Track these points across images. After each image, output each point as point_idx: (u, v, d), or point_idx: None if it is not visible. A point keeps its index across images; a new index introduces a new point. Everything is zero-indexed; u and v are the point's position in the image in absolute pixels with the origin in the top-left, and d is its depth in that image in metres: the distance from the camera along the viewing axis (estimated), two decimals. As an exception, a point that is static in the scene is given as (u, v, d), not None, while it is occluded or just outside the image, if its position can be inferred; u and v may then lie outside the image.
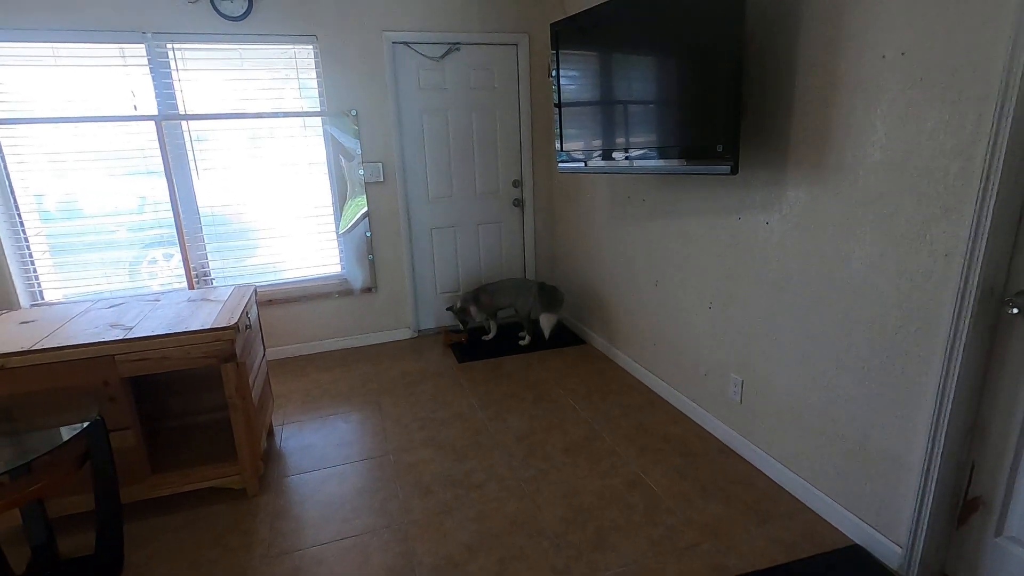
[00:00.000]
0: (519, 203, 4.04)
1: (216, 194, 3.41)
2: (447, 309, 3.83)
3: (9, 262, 3.11)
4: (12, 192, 3.09)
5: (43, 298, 3.30)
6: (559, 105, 2.93)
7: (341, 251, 3.74)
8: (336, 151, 3.53)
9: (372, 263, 3.78)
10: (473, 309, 3.75)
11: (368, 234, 3.71)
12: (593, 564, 1.82)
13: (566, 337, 3.84)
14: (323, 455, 2.53)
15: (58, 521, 2.11)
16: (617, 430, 2.62)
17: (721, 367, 2.47)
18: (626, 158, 2.50)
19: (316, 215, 3.63)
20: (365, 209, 3.67)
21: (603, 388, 3.07)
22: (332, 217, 3.66)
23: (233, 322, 2.09)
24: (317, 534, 2.02)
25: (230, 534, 2.05)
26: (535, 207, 4.06)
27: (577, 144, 2.84)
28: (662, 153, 2.26)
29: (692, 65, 2.05)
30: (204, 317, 2.17)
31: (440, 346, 3.81)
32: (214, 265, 3.51)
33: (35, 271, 3.24)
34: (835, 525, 1.94)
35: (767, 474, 2.24)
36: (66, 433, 1.68)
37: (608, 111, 2.58)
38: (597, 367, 3.35)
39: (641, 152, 2.39)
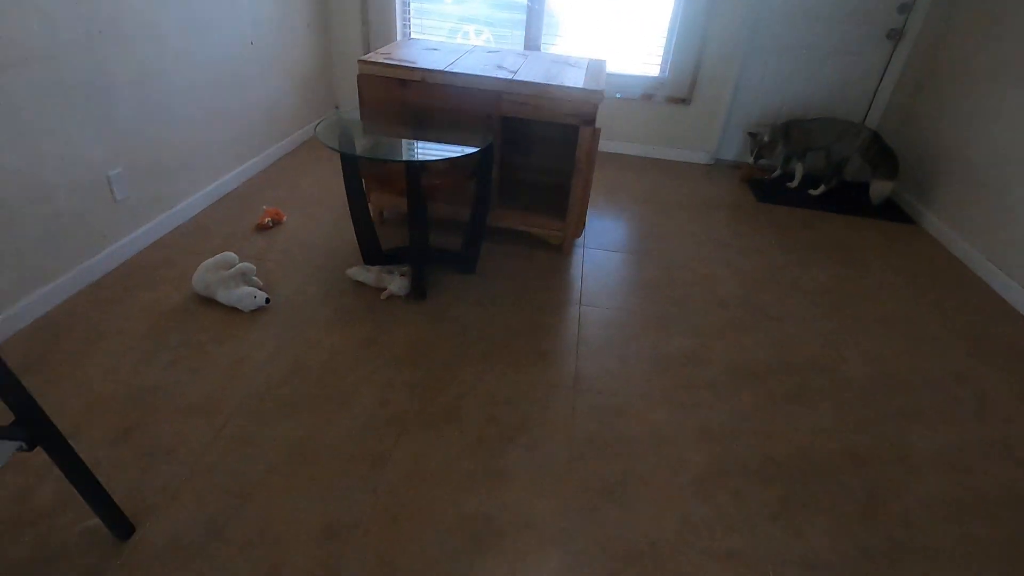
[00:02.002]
0: (895, 35, 3.26)
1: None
2: (748, 133, 3.49)
3: (396, 4, 3.56)
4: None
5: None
6: None
7: (666, 52, 3.52)
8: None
9: (696, 72, 3.52)
10: (779, 145, 3.37)
11: (700, 40, 3.40)
12: (902, 432, 1.74)
13: (888, 211, 3.30)
14: (618, 241, 2.69)
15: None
16: (945, 322, 2.30)
17: None
18: None
19: (650, 7, 3.39)
20: (704, 13, 3.31)
21: (933, 277, 2.65)
22: (669, 13, 3.39)
23: (600, 87, 2.15)
24: (612, 299, 2.23)
25: (550, 275, 2.37)
26: (916, 43, 3.25)
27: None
28: None
29: None
30: (573, 78, 2.26)
31: (736, 180, 3.58)
32: (545, 40, 3.60)
33: (409, 15, 3.66)
34: None
35: None
36: (466, 148, 1.99)
37: None
38: (927, 254, 2.87)
39: None
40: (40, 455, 1.40)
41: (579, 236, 2.53)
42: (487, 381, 1.78)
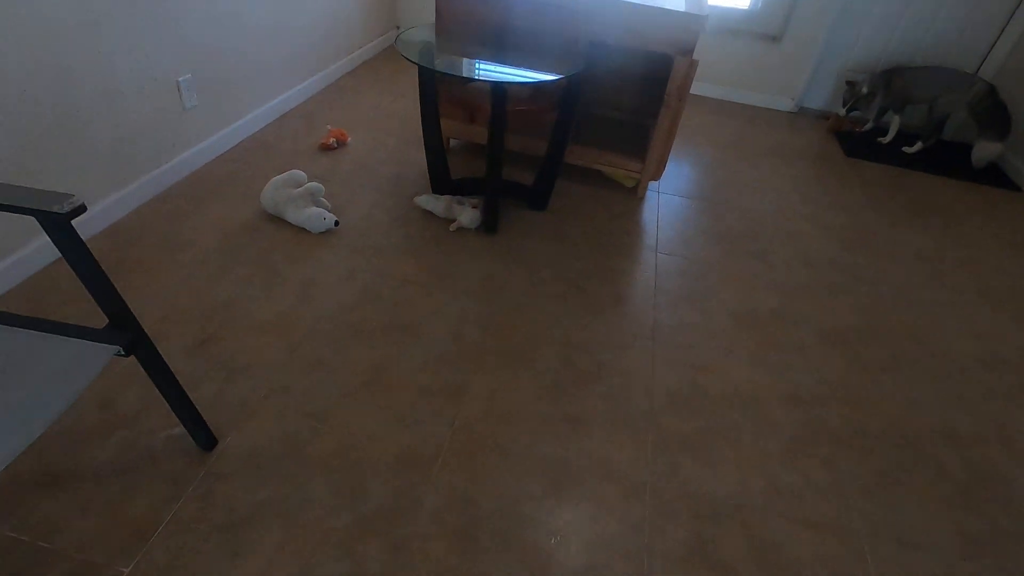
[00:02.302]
0: (1034, -27, 2.86)
1: None
2: (847, 82, 3.18)
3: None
4: None
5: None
6: None
7: (764, -19, 3.19)
8: None
9: (791, 5, 3.18)
10: (879, 94, 3.07)
11: (809, -34, 3.05)
12: (1006, 414, 1.61)
13: (990, 175, 3.01)
14: (696, 188, 2.52)
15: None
16: (1055, 300, 2.11)
17: None
18: None
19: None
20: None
21: (1041, 249, 2.42)
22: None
23: (704, 14, 1.94)
24: (690, 248, 2.10)
25: (623, 218, 2.25)
26: (1057, -15, 2.85)
27: None
28: None
29: None
30: (673, 1, 2.04)
31: (822, 132, 3.31)
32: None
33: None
34: None
35: None
36: (554, 74, 1.83)
37: None
38: (1035, 223, 2.62)
39: None
40: (123, 361, 1.40)
41: (657, 179, 2.37)
42: (562, 324, 1.71)
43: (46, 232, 0.92)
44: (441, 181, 2.16)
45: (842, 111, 3.23)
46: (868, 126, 3.31)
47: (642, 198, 2.40)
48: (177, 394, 1.15)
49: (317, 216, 1.93)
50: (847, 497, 1.32)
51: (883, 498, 1.33)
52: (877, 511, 1.30)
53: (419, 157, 2.48)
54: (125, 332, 1.00)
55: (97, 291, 0.98)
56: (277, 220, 1.99)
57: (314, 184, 1.99)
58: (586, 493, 1.26)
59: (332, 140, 2.46)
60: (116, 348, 0.94)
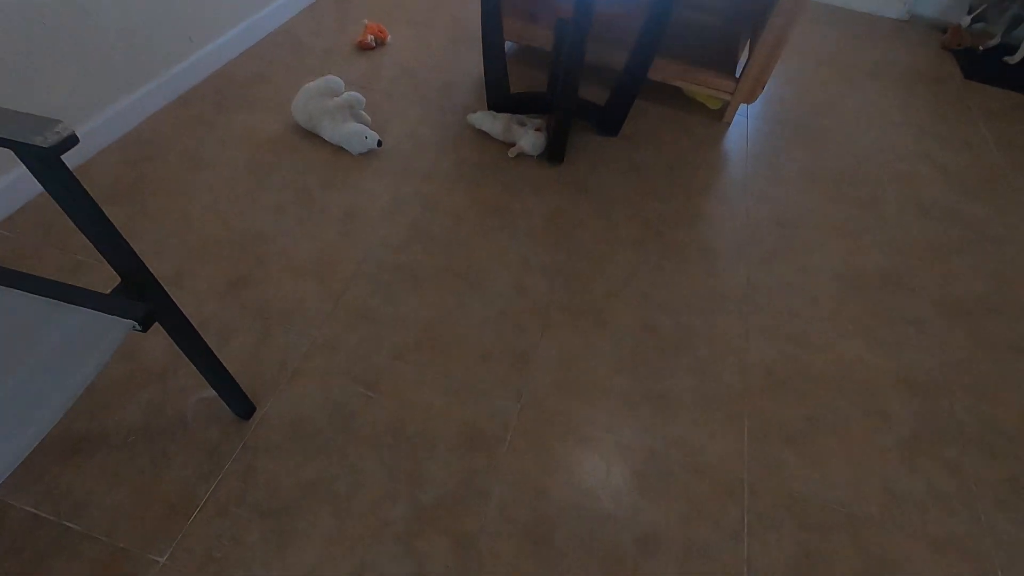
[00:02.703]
0: None
1: None
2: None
3: None
4: None
5: None
6: None
7: None
8: None
9: None
10: (1014, 5, 2.55)
11: None
12: None
13: None
14: (790, 114, 2.15)
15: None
16: None
17: None
18: None
19: None
20: None
21: None
22: None
23: None
24: (786, 190, 1.80)
25: (708, 148, 1.93)
26: None
27: None
28: None
29: None
30: None
31: (936, 47, 2.81)
32: None
33: None
34: None
35: None
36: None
37: None
38: None
39: None
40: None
41: (751, 102, 2.01)
42: (640, 277, 1.48)
43: (30, 170, 0.70)
44: (500, 95, 1.84)
45: (965, 20, 2.71)
46: (993, 42, 2.79)
47: (728, 123, 2.06)
48: (210, 363, 0.97)
49: (358, 134, 1.66)
50: (977, 510, 1.14)
51: (1022, 514, 1.15)
52: (1014, 530, 1.12)
53: (471, 62, 2.14)
54: (141, 300, 0.80)
55: (102, 242, 0.77)
56: (311, 136, 1.73)
57: (353, 94, 1.70)
58: (674, 490, 1.10)
59: (369, 37, 2.11)
60: (130, 323, 0.75)
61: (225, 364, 1.07)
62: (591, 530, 1.03)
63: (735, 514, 1.08)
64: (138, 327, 0.76)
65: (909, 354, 1.40)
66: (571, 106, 1.63)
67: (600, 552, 1.00)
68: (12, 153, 0.87)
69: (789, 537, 1.06)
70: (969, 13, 2.68)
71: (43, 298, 0.76)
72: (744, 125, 2.07)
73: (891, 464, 1.19)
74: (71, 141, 0.68)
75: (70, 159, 1.44)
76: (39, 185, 0.74)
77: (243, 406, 1.08)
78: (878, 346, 1.41)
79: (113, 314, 0.75)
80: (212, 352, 0.97)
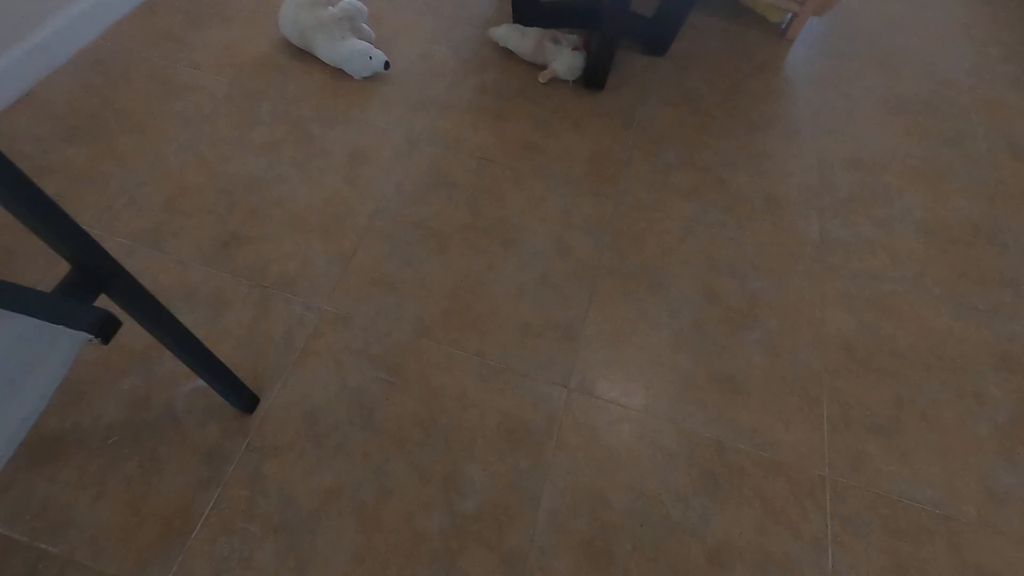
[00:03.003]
0: None
1: None
2: None
3: None
4: None
5: None
6: None
7: None
8: None
9: None
10: None
11: None
12: None
13: None
14: (859, 31, 1.85)
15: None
16: None
17: None
18: None
19: None
20: None
21: None
22: None
23: None
24: (860, 125, 1.55)
25: (768, 73, 1.65)
26: None
27: None
28: None
29: None
30: None
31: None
32: None
33: None
34: None
35: None
36: None
37: None
38: None
39: None
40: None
41: (822, 14, 1.70)
42: (699, 233, 1.27)
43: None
44: (530, 5, 1.54)
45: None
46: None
47: (791, 41, 1.76)
48: (199, 356, 0.79)
49: (359, 54, 1.38)
50: (1085, 511, 1.01)
51: None
52: (1126, 534, 0.99)
53: (488, -37, 1.80)
54: (100, 291, 0.60)
55: (37, 216, 0.56)
56: (304, 55, 1.45)
57: (352, 3, 1.40)
58: (747, 491, 0.96)
59: (368, -70, 1.76)
60: (82, 336, 0.55)
61: (219, 344, 0.90)
62: (656, 541, 0.89)
63: (817, 520, 0.94)
64: (94, 339, 0.57)
65: (1004, 323, 1.23)
66: (621, 22, 1.34)
67: (668, 567, 0.87)
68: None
69: (878, 545, 0.93)
70: (1069, -96, 2.27)
71: (-38, 301, 0.56)
72: (809, 43, 1.77)
73: (989, 457, 1.04)
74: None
75: (15, 82, 1.18)
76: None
77: (244, 398, 0.91)
78: (969, 313, 1.23)
79: (57, 322, 0.56)
80: (202, 344, 0.78)
